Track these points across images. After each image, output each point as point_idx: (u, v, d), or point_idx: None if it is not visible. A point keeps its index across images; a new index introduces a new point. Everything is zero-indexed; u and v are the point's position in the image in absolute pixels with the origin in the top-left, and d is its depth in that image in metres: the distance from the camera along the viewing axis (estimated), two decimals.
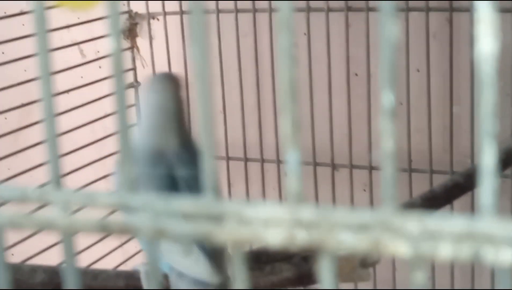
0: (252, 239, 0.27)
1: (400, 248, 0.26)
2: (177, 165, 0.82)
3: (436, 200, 0.94)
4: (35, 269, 0.83)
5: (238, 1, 1.24)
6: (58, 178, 0.30)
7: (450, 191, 0.94)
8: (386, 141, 0.27)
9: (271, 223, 0.27)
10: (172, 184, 0.81)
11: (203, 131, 0.29)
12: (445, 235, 0.26)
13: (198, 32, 0.28)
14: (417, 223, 0.26)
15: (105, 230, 0.29)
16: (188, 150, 0.83)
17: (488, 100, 0.25)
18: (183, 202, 0.28)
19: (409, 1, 1.17)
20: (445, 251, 0.26)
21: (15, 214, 0.29)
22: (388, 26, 0.26)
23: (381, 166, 0.27)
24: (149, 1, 1.29)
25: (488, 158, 0.26)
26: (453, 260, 0.26)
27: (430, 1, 1.15)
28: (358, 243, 0.26)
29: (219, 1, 1.24)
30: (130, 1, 1.30)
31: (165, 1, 1.28)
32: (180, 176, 0.81)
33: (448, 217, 0.26)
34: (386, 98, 0.26)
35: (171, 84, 0.85)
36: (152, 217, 0.28)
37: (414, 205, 0.94)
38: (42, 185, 1.15)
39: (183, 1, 1.27)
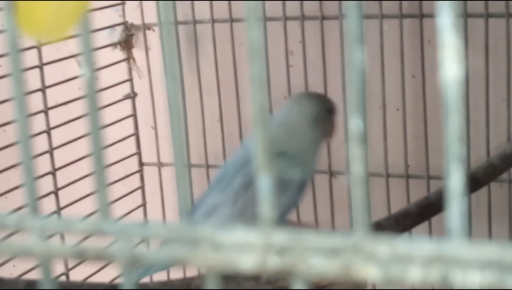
0: (225, 264, 0.28)
1: (370, 272, 0.26)
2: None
3: (431, 207, 0.94)
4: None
5: (233, 11, 1.24)
6: (35, 204, 0.30)
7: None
8: (356, 166, 0.27)
9: (244, 248, 0.28)
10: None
11: (174, 142, 0.29)
12: (414, 258, 0.26)
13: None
14: (387, 247, 0.27)
15: (81, 256, 0.29)
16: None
17: (455, 125, 0.26)
18: (158, 228, 0.29)
19: (403, 7, 1.17)
20: (414, 274, 0.26)
21: None
22: (355, 53, 0.26)
23: (351, 190, 0.27)
24: (144, 12, 1.30)
25: (455, 182, 0.26)
26: (422, 283, 0.26)
27: (424, 7, 1.16)
28: (329, 267, 0.27)
29: (214, 11, 1.25)
30: (126, 12, 1.31)
31: (160, 12, 1.28)
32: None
33: (418, 241, 0.27)
34: (354, 124, 0.27)
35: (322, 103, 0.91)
36: (127, 244, 0.29)
37: (410, 213, 0.94)
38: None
39: (178, 12, 1.27)
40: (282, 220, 0.88)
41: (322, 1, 1.20)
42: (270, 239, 0.27)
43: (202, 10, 1.26)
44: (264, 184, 0.28)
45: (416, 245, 0.26)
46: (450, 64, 0.25)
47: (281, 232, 0.28)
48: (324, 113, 0.91)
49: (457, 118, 0.26)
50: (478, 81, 1.13)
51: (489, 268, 0.25)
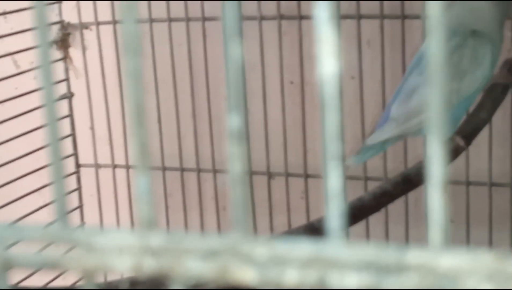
0: (100, 267, 0.27)
1: (247, 274, 0.26)
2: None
3: (364, 208, 0.94)
4: None
5: (171, 10, 1.23)
6: None
7: (379, 198, 0.94)
8: (234, 165, 0.26)
9: (120, 250, 0.27)
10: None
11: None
12: (292, 260, 0.25)
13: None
14: (265, 248, 0.26)
15: None
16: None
17: (332, 122, 0.25)
18: (32, 230, 0.27)
19: (341, 8, 1.17)
20: (291, 276, 0.25)
21: None
22: (232, 47, 0.26)
23: (230, 189, 0.26)
24: (81, 11, 1.28)
25: (333, 182, 0.25)
26: (299, 285, 0.25)
27: (362, 8, 1.16)
28: (206, 270, 0.26)
29: (152, 10, 1.23)
30: (62, 11, 1.29)
31: (98, 11, 1.26)
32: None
33: (297, 242, 0.26)
34: (233, 121, 0.26)
35: None
36: (0, 247, 0.27)
37: None
38: None
39: (116, 11, 1.26)
40: (472, 97, 0.93)
41: (242, 2, 1.20)
42: (146, 241, 0.26)
43: (140, 9, 1.25)
44: (142, 184, 0.27)
45: (294, 247, 0.26)
46: (327, 60, 0.25)
47: (159, 234, 0.27)
48: None
49: (335, 115, 0.25)
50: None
51: (366, 269, 0.25)
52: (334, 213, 0.25)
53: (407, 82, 0.94)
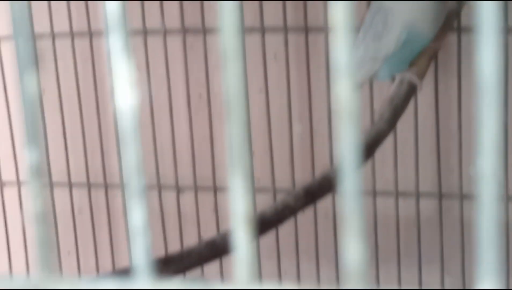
0: None
1: None
2: None
3: (266, 223, 0.93)
4: None
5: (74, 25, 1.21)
6: None
7: (281, 213, 0.93)
8: (35, 202, 0.25)
9: None
10: None
11: None
12: None
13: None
14: (69, 285, 0.25)
15: None
16: None
17: (132, 157, 0.24)
18: None
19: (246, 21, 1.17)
20: None
21: None
22: (27, 81, 0.25)
23: (33, 228, 0.25)
24: None
25: (136, 219, 0.24)
26: None
27: (266, 23, 1.16)
28: None
29: (54, 25, 1.22)
30: None
31: None
32: None
33: (103, 280, 0.25)
34: (31, 156, 0.25)
35: None
36: None
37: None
38: None
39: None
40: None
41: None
42: None
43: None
44: None
45: (100, 284, 0.25)
46: (123, 93, 0.24)
47: None
48: None
49: (134, 149, 0.24)
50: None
51: None
52: (139, 251, 0.25)
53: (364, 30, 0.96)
